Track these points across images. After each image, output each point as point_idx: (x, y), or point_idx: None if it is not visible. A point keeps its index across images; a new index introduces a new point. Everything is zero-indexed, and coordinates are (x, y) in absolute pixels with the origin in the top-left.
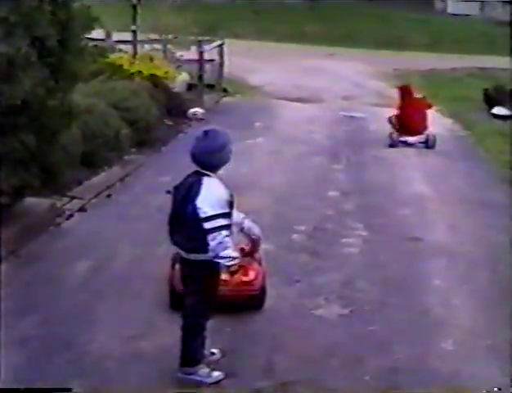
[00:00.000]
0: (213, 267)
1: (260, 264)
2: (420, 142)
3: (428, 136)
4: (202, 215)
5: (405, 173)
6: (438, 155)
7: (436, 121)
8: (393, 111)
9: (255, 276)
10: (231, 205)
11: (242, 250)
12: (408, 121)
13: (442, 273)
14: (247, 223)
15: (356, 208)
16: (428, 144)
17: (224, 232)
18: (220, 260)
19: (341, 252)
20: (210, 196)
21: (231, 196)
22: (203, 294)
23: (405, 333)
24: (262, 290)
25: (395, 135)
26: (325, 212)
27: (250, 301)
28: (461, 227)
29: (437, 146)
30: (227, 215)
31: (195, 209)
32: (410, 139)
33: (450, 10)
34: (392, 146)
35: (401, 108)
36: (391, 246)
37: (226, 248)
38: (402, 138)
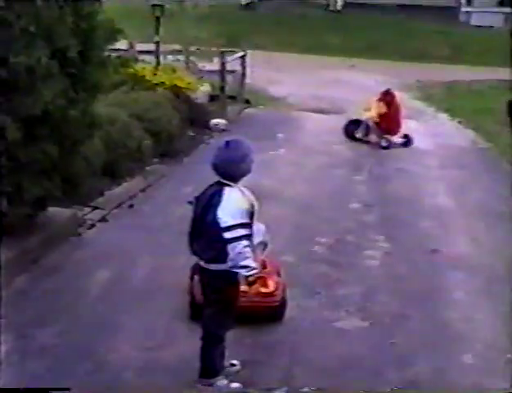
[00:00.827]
0: (232, 277)
1: (279, 275)
2: (401, 142)
3: (407, 135)
4: (222, 225)
5: (427, 186)
6: (460, 167)
7: (458, 133)
8: (371, 115)
9: (275, 287)
10: (251, 215)
11: (263, 261)
12: (395, 123)
13: (462, 286)
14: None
15: (377, 220)
16: (410, 143)
17: (244, 242)
18: (239, 270)
19: (362, 264)
20: (231, 206)
21: (252, 206)
22: (222, 304)
23: (425, 346)
24: (283, 301)
25: (389, 137)
26: (346, 224)
27: (270, 313)
28: (483, 240)
29: (460, 159)
30: (248, 225)
31: (215, 218)
32: (396, 139)
33: (474, 22)
34: (387, 147)
35: (387, 112)
36: (412, 258)
37: (245, 258)
38: (393, 139)
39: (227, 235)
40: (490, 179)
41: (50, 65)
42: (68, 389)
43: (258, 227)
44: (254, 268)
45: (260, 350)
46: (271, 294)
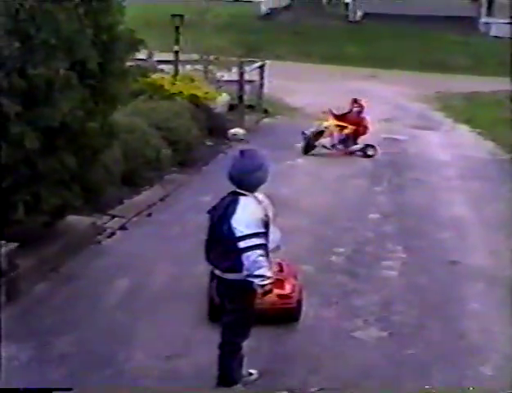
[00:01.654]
0: (248, 287)
1: (296, 278)
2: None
3: (366, 143)
4: (238, 234)
5: (446, 197)
6: (479, 178)
7: (477, 144)
8: (343, 126)
9: (292, 289)
10: (266, 224)
11: (279, 264)
12: (364, 131)
13: (481, 298)
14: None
15: (396, 230)
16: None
17: (259, 251)
18: (254, 280)
19: (380, 274)
20: (246, 216)
21: (267, 215)
22: (238, 313)
23: (443, 357)
24: (299, 303)
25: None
26: (364, 234)
27: (287, 314)
28: (501, 251)
29: (479, 170)
30: (263, 235)
31: (230, 228)
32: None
33: (493, 32)
34: (372, 156)
35: (360, 121)
36: (430, 269)
37: (260, 267)
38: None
39: (242, 244)
40: (509, 191)
41: (69, 77)
42: (70, 389)
43: (275, 232)
44: (269, 278)
45: (278, 359)
46: (287, 296)
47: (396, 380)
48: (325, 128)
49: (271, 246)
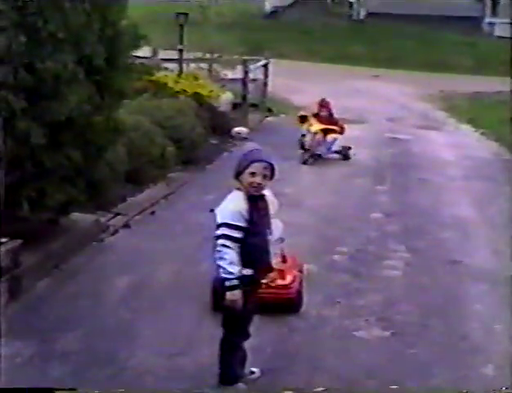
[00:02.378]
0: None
1: (301, 271)
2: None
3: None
4: (216, 223)
5: (449, 196)
6: (483, 178)
7: (481, 144)
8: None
9: (292, 279)
10: (246, 221)
11: (284, 256)
12: (342, 132)
13: (483, 298)
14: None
15: (399, 230)
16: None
17: (222, 241)
18: (219, 271)
19: (383, 274)
20: (224, 206)
21: (251, 212)
22: (226, 309)
23: (445, 357)
24: (299, 294)
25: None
26: (367, 234)
27: (286, 304)
28: (505, 252)
29: (483, 170)
30: (234, 228)
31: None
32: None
33: (497, 33)
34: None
35: (336, 122)
36: (433, 268)
37: (220, 258)
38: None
39: (216, 232)
40: None
41: (76, 71)
42: (74, 389)
43: (276, 224)
44: (231, 273)
45: (280, 358)
46: (287, 286)
47: (398, 379)
48: (315, 133)
49: (273, 238)
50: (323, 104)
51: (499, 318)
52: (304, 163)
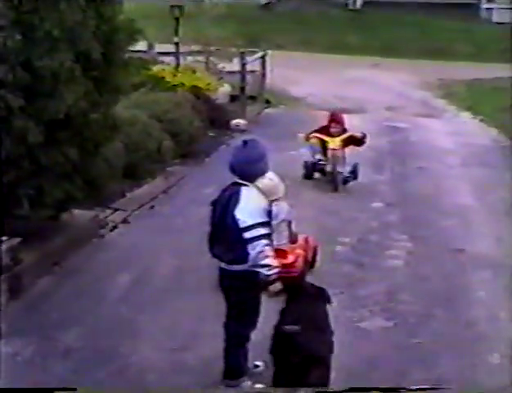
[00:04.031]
0: (253, 277)
1: (315, 251)
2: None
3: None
4: (241, 225)
5: (449, 185)
6: (483, 165)
7: (480, 131)
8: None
9: (294, 259)
10: (270, 213)
11: (295, 236)
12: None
13: (486, 286)
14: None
15: (400, 219)
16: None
17: (264, 241)
18: (259, 269)
19: (385, 264)
20: (249, 206)
21: (270, 204)
22: (245, 305)
23: (450, 346)
24: (302, 273)
25: None
26: (368, 223)
27: (290, 283)
28: (507, 238)
29: (482, 157)
30: (267, 224)
31: (234, 219)
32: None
33: (495, 19)
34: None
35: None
36: (435, 257)
37: (266, 257)
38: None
39: (247, 235)
40: None
41: (73, 69)
42: (74, 389)
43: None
44: (275, 267)
45: None
46: (290, 265)
47: (403, 370)
48: (333, 149)
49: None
50: (335, 118)
51: (503, 305)
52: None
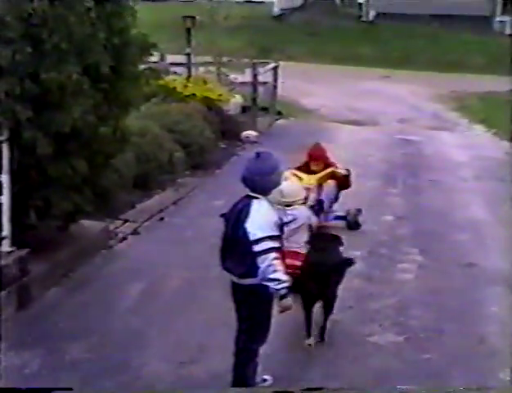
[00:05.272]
0: (264, 291)
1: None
2: None
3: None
4: (251, 238)
5: (462, 198)
6: (496, 179)
7: (493, 144)
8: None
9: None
10: (281, 227)
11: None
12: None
13: (498, 301)
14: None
15: (411, 233)
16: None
17: (273, 255)
18: (269, 284)
19: (396, 278)
20: (259, 219)
21: (281, 218)
22: (256, 319)
23: (461, 362)
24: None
25: None
26: (379, 237)
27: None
28: None
29: (495, 171)
30: (277, 238)
31: (245, 232)
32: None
33: (508, 31)
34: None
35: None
36: (447, 271)
37: (275, 271)
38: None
39: (257, 248)
40: None
41: (80, 81)
42: (71, 389)
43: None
44: (285, 281)
45: (293, 365)
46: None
47: (413, 385)
48: (307, 189)
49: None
50: (313, 155)
51: None
52: None
